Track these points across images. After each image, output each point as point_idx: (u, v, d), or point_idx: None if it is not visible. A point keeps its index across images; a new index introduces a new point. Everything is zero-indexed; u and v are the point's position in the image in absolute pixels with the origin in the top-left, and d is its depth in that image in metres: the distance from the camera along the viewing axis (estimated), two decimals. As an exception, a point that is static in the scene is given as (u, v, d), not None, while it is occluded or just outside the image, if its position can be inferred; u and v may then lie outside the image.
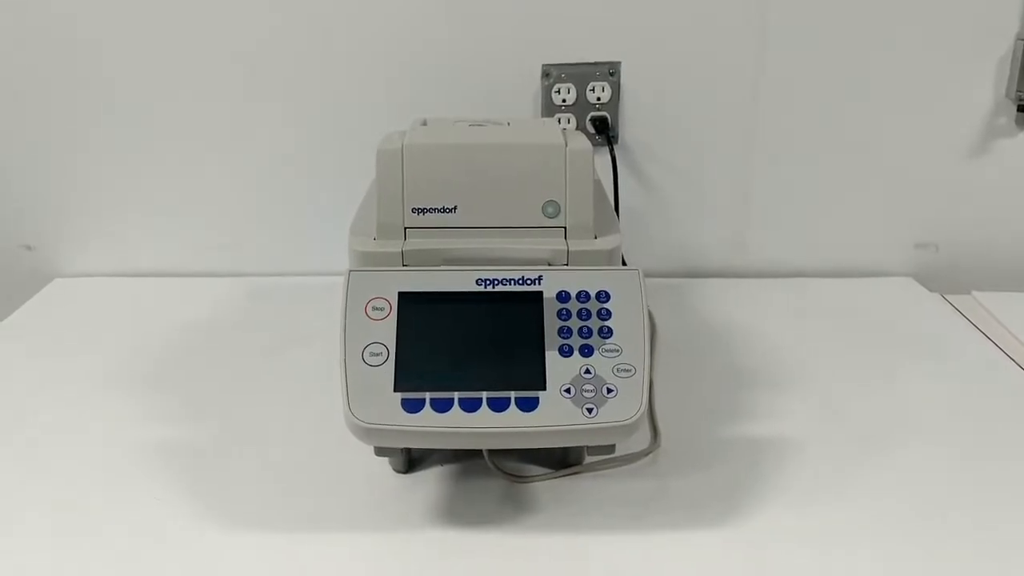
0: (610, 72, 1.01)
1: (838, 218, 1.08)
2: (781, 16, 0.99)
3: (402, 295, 0.65)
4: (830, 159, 1.05)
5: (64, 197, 1.08)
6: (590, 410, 0.61)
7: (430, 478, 0.70)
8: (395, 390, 0.62)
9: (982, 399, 0.82)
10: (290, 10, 0.99)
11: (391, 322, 0.64)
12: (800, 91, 1.02)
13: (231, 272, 1.10)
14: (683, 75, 1.01)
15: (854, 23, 0.99)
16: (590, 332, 0.64)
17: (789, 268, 1.11)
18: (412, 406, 0.61)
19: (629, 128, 1.04)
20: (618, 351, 0.63)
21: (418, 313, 0.64)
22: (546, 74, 1.00)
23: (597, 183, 0.76)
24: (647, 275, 0.67)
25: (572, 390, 0.62)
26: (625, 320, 0.64)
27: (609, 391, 0.62)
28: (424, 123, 0.78)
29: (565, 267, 0.68)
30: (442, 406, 0.61)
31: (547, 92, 1.01)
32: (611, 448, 0.66)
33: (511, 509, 0.67)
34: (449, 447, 0.70)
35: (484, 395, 0.61)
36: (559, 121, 1.00)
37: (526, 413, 0.61)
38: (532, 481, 0.70)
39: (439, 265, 0.69)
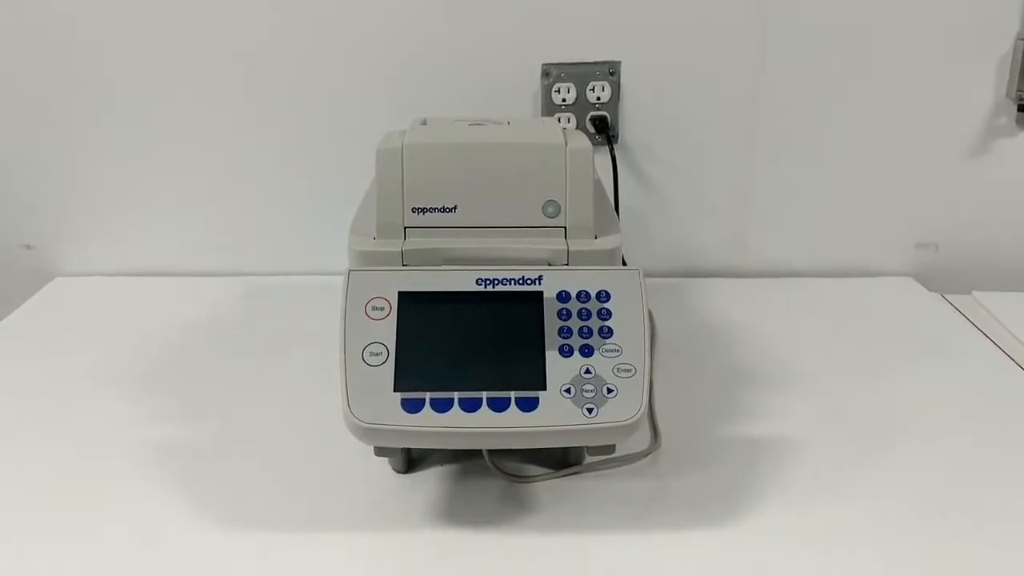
0: (610, 72, 1.01)
1: (838, 218, 1.08)
2: (781, 16, 0.99)
3: (402, 295, 0.65)
4: (830, 159, 1.05)
5: (64, 196, 1.08)
6: (590, 410, 0.61)
7: (429, 478, 0.70)
8: (395, 390, 0.62)
9: (982, 399, 0.82)
10: (290, 10, 0.99)
11: (391, 322, 0.64)
12: (800, 91, 1.02)
13: (231, 272, 1.10)
14: (683, 75, 1.01)
15: (853, 23, 0.99)
16: (590, 332, 0.64)
17: (789, 268, 1.11)
18: (412, 406, 0.61)
19: (629, 128, 1.04)
20: (618, 351, 0.63)
21: (418, 313, 0.64)
22: (546, 73, 1.00)
23: (597, 183, 0.76)
24: (646, 275, 0.67)
25: (572, 390, 0.62)
26: (625, 320, 0.64)
27: (609, 391, 0.62)
28: (424, 123, 0.78)
29: (565, 267, 0.68)
30: (442, 406, 0.61)
31: (547, 92, 1.01)
32: (611, 448, 0.66)
33: (511, 509, 0.67)
34: (449, 447, 0.70)
35: (484, 395, 0.61)
36: (559, 120, 1.00)
37: (526, 413, 0.61)
38: (532, 481, 0.70)
39: (439, 264, 0.69)
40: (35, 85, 1.02)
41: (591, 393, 0.62)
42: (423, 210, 0.70)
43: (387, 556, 0.63)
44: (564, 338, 0.64)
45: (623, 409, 0.61)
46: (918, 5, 0.98)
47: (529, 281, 0.66)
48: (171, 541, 0.64)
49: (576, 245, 0.69)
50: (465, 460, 0.72)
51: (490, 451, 0.69)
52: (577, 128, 1.03)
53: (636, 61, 1.01)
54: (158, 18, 0.99)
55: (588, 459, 0.71)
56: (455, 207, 0.70)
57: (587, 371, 0.63)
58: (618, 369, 0.63)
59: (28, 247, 1.11)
